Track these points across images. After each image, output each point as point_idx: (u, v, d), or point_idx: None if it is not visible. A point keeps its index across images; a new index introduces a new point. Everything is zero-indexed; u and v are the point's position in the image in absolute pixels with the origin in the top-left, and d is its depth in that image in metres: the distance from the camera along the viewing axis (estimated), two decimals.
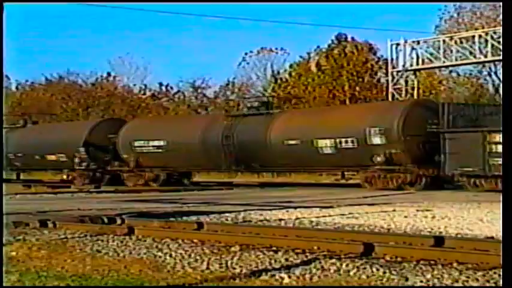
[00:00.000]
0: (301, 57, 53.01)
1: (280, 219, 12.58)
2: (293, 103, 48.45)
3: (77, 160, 32.85)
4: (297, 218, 12.64)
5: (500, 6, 37.58)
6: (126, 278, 6.70)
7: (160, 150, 30.90)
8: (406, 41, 35.46)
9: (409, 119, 24.66)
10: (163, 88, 60.57)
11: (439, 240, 8.43)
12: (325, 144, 26.04)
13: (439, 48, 35.22)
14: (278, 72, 57.08)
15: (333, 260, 7.25)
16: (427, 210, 14.03)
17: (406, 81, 36.19)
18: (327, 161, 26.52)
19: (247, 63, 57.64)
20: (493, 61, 36.63)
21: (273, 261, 7.40)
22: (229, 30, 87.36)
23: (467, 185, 22.89)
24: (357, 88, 48.24)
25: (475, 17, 45.61)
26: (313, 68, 50.70)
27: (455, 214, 13.23)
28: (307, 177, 33.96)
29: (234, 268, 7.06)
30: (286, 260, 7.47)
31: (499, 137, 21.44)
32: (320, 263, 7.18)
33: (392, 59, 36.35)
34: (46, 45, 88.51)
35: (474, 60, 35.31)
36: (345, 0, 59.16)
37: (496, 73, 45.17)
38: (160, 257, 7.85)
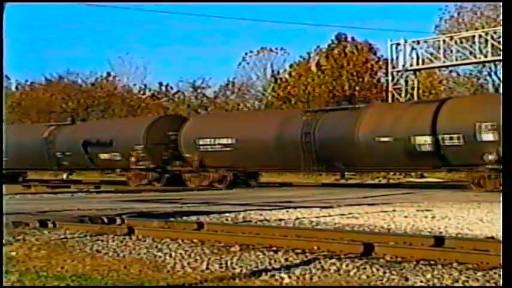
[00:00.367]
0: (301, 57, 53.10)
1: (280, 219, 12.57)
2: (293, 103, 48.51)
3: (133, 159, 30.74)
4: (297, 218, 12.63)
5: (500, 6, 37.59)
6: (126, 278, 6.70)
7: (228, 149, 28.54)
8: (406, 41, 35.52)
9: None
10: (163, 88, 60.66)
11: (439, 240, 8.43)
12: (424, 141, 23.45)
13: (439, 48, 35.27)
14: (278, 72, 57.11)
15: (333, 260, 7.25)
16: (427, 210, 14.03)
17: (406, 81, 36.25)
18: (426, 159, 23.96)
19: (247, 63, 57.71)
20: (493, 61, 36.69)
21: (273, 261, 7.40)
22: (229, 30, 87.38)
23: None
24: (357, 88, 48.27)
25: (475, 17, 45.65)
26: (313, 68, 50.74)
27: (455, 214, 13.23)
28: (308, 177, 33.88)
29: (234, 268, 7.05)
30: (286, 260, 7.46)
31: None
32: (320, 263, 7.17)
33: (392, 59, 36.41)
34: (46, 45, 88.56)
35: (474, 60, 35.37)
36: (345, 0, 59.15)
37: (496, 73, 45.22)
38: (160, 257, 7.84)
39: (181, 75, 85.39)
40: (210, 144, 29.10)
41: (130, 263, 7.43)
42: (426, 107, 25.05)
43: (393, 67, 36.44)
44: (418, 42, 35.58)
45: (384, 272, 6.61)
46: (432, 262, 7.07)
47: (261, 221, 12.46)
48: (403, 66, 35.85)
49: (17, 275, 6.81)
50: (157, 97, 59.87)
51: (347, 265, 6.99)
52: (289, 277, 6.52)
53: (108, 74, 60.39)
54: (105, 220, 11.50)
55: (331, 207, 15.10)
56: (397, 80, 36.35)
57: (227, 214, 13.46)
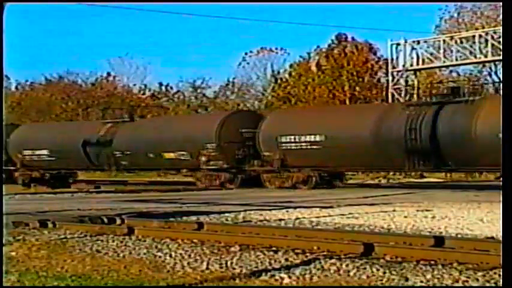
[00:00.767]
0: (301, 57, 53.12)
1: (280, 219, 12.57)
2: (293, 103, 48.51)
3: (203, 159, 28.23)
4: (297, 218, 12.63)
5: (500, 6, 37.59)
6: (126, 278, 6.70)
7: (315, 147, 25.91)
8: (406, 41, 35.51)
9: None
10: (163, 88, 60.68)
11: (439, 240, 8.43)
12: None
13: (439, 48, 35.27)
14: (278, 72, 57.14)
15: (333, 260, 7.25)
16: (427, 210, 14.03)
17: (406, 81, 36.25)
18: None
19: (247, 63, 57.77)
20: (493, 61, 36.68)
21: (273, 261, 7.40)
22: (229, 30, 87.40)
23: None
24: (357, 88, 48.27)
25: (476, 17, 45.67)
26: (313, 68, 50.73)
27: (455, 214, 13.23)
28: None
29: (234, 268, 7.05)
30: (286, 260, 7.46)
31: None
32: (320, 263, 7.17)
33: (392, 59, 36.41)
34: (46, 45, 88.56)
35: (474, 60, 35.37)
36: (345, 0, 59.16)
37: (496, 73, 45.22)
38: (160, 257, 7.84)
39: (181, 75, 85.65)
40: (294, 142, 26.59)
41: (131, 263, 7.43)
42: None
43: (393, 67, 36.44)
44: (418, 42, 35.58)
45: (384, 272, 6.61)
46: (432, 262, 7.07)
47: (261, 221, 12.46)
48: (403, 66, 35.84)
49: (17, 275, 6.81)
50: (157, 97, 59.90)
51: (347, 265, 6.98)
52: (289, 277, 6.52)
53: (108, 74, 60.49)
54: (105, 220, 11.49)
55: (331, 207, 15.10)
56: (397, 80, 36.35)
57: (227, 214, 13.45)
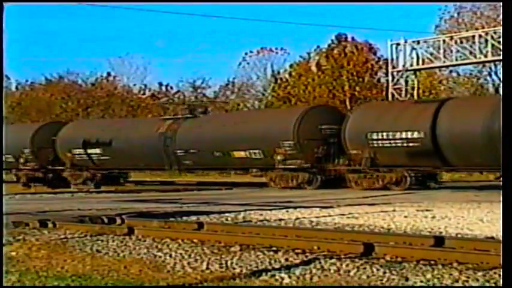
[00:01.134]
0: (301, 57, 53.12)
1: (280, 219, 12.57)
2: (293, 103, 48.50)
3: (279, 157, 26.06)
4: (297, 218, 12.63)
5: (500, 6, 37.59)
6: (126, 278, 6.70)
7: (412, 144, 23.61)
8: (406, 41, 35.47)
9: None
10: (163, 88, 60.68)
11: (439, 240, 8.43)
12: None
13: (439, 48, 35.22)
14: (278, 72, 57.15)
15: (333, 260, 7.25)
16: (427, 210, 14.03)
17: (406, 81, 36.19)
18: None
19: (247, 63, 57.76)
20: (493, 61, 36.63)
21: (273, 261, 7.40)
22: (229, 30, 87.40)
23: None
24: (357, 88, 48.27)
25: (475, 17, 45.65)
26: (313, 68, 50.74)
27: (455, 214, 13.23)
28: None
29: (234, 268, 7.05)
30: (286, 260, 7.46)
31: None
32: (320, 263, 7.17)
33: (392, 59, 36.35)
34: (46, 45, 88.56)
35: (474, 60, 35.32)
36: (345, 0, 59.16)
37: (496, 73, 45.23)
38: (160, 257, 7.84)
39: (181, 75, 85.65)
40: (387, 139, 24.15)
41: (131, 263, 7.43)
42: None
43: (393, 67, 36.37)
44: (418, 42, 35.53)
45: (384, 272, 6.61)
46: (432, 262, 7.07)
47: (261, 221, 12.46)
48: (403, 66, 35.78)
49: (17, 275, 6.81)
50: (157, 97, 59.89)
51: (347, 265, 6.98)
52: (289, 277, 6.52)
53: (108, 74, 60.48)
54: (105, 220, 11.50)
55: (331, 207, 15.10)
56: (397, 80, 36.29)
57: (227, 214, 13.45)
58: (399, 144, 24.05)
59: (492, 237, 9.19)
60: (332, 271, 6.78)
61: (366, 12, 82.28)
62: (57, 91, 57.83)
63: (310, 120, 26.61)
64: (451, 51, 35.17)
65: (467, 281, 6.23)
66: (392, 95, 35.65)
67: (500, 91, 38.53)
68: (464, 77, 47.65)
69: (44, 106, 56.07)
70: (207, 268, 7.10)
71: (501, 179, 22.17)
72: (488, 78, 47.14)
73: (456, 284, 6.17)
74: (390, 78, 36.75)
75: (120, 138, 31.86)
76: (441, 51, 34.89)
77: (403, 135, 23.98)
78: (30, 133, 35.47)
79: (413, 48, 35.45)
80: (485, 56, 34.16)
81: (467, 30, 40.09)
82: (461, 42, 35.14)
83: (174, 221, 11.78)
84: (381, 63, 48.40)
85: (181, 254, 7.97)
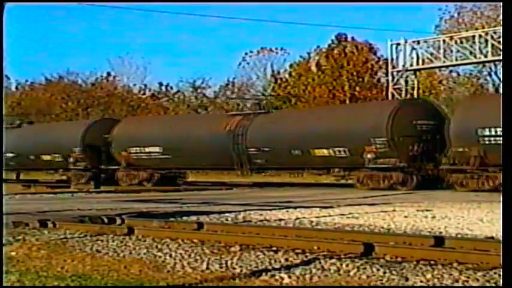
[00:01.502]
0: (301, 57, 53.20)
1: (280, 219, 12.57)
2: (293, 103, 48.53)
3: (368, 156, 24.30)
4: (297, 218, 12.63)
5: (500, 6, 37.60)
6: (126, 278, 6.69)
7: None
8: (406, 41, 35.49)
9: None
10: (163, 88, 60.75)
11: (439, 240, 8.42)
12: None
13: (439, 48, 35.24)
14: (278, 72, 57.19)
15: (333, 260, 7.24)
16: (427, 210, 14.03)
17: (406, 81, 36.21)
18: None
19: (247, 63, 57.85)
20: (493, 61, 36.67)
21: (273, 261, 7.39)
22: (229, 30, 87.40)
23: None
24: (357, 88, 48.31)
25: (476, 17, 45.68)
26: (313, 68, 50.79)
27: (455, 214, 13.22)
28: (308, 177, 33.74)
29: (234, 268, 7.05)
30: (286, 260, 7.46)
31: None
32: (320, 263, 7.17)
33: (392, 59, 36.37)
34: (46, 45, 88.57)
35: (474, 60, 35.35)
36: (345, 0, 59.19)
37: (496, 73, 45.25)
38: (160, 257, 7.84)
39: (181, 75, 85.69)
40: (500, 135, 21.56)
41: (131, 263, 7.43)
42: None
43: (393, 67, 36.40)
44: (418, 42, 35.55)
45: (384, 272, 6.61)
46: (432, 262, 7.06)
47: (261, 221, 12.46)
48: (403, 66, 35.81)
49: (17, 275, 6.80)
50: (157, 97, 59.93)
51: (347, 265, 6.98)
52: (289, 277, 6.52)
53: (108, 74, 60.57)
54: (105, 220, 11.49)
55: (331, 207, 15.10)
56: (397, 80, 36.31)
57: (227, 214, 13.45)
58: None
59: (492, 237, 9.19)
60: (332, 271, 6.78)
61: (366, 12, 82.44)
62: (57, 91, 57.90)
63: (404, 115, 24.66)
64: (451, 51, 35.20)
65: (467, 281, 6.23)
66: (392, 95, 35.65)
67: (500, 91, 38.50)
68: (464, 77, 47.68)
69: (44, 106, 56.13)
70: (207, 268, 7.10)
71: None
72: (488, 78, 47.18)
73: (456, 284, 6.17)
74: (390, 78, 36.78)
75: (183, 135, 29.79)
76: (441, 51, 34.91)
77: None
78: (80, 131, 33.66)
79: (413, 48, 35.46)
80: (485, 56, 34.18)
81: (467, 30, 40.11)
82: (461, 42, 35.16)
83: (174, 221, 11.77)
84: (380, 63, 48.44)
85: (181, 254, 7.96)
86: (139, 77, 62.28)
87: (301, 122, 27.23)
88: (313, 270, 6.80)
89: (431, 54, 35.54)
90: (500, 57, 30.95)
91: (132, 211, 14.18)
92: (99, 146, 32.59)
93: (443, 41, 35.31)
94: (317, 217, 12.79)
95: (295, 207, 14.89)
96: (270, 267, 7.04)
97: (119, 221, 11.36)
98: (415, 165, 24.11)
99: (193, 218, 12.59)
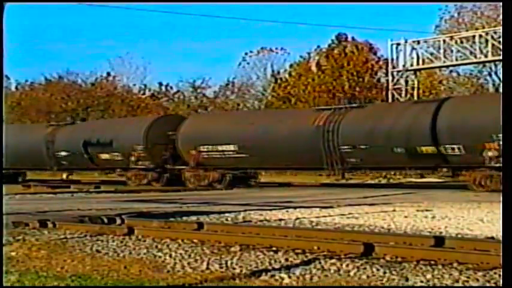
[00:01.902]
0: (301, 57, 53.17)
1: (280, 219, 12.57)
2: (293, 103, 48.51)
3: (490, 154, 21.67)
4: (297, 218, 12.63)
5: (500, 6, 37.61)
6: (126, 278, 6.69)
7: None
8: (406, 41, 35.52)
9: None
10: (163, 88, 60.72)
11: (439, 240, 8.42)
12: None
13: (439, 48, 35.27)
14: (278, 72, 57.16)
15: (333, 260, 7.24)
16: (427, 210, 14.02)
17: (406, 81, 36.24)
18: None
19: (247, 63, 57.79)
20: (493, 61, 36.69)
21: (273, 261, 7.39)
22: (229, 30, 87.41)
23: None
24: (357, 88, 48.30)
25: (476, 17, 45.69)
26: (313, 68, 50.77)
27: (455, 214, 13.22)
28: (308, 177, 33.74)
29: (234, 268, 7.05)
30: (286, 260, 7.46)
31: None
32: (320, 263, 7.17)
33: (392, 59, 36.40)
34: (46, 45, 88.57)
35: (474, 60, 35.38)
36: (345, 0, 59.19)
37: (496, 73, 45.23)
38: (160, 257, 7.84)
39: (181, 75, 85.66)
40: None
41: (131, 263, 7.43)
42: None
43: (393, 67, 36.44)
44: (418, 42, 35.57)
45: (384, 272, 6.61)
46: (432, 262, 7.06)
47: (261, 221, 12.46)
48: (403, 66, 35.84)
49: (17, 275, 6.80)
50: (157, 97, 59.93)
51: (347, 265, 6.98)
52: (289, 277, 6.52)
53: (108, 74, 60.52)
54: (105, 220, 11.49)
55: (331, 207, 15.10)
56: (397, 80, 36.34)
57: (227, 214, 13.45)
58: None
59: (492, 237, 9.19)
60: (332, 271, 6.78)
61: (366, 12, 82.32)
62: (57, 91, 57.86)
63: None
64: (451, 51, 35.23)
65: (467, 281, 6.23)
66: (393, 95, 35.68)
67: (500, 91, 38.52)
68: (464, 77, 47.69)
69: (43, 106, 56.11)
70: (207, 268, 7.10)
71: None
72: (488, 78, 47.18)
73: (456, 284, 6.16)
74: (390, 78, 36.80)
75: (263, 132, 27.14)
76: (441, 51, 34.94)
77: None
78: (143, 128, 31.05)
79: (413, 48, 35.49)
80: (485, 56, 34.22)
81: (467, 30, 40.13)
82: (462, 42, 35.20)
83: (174, 221, 11.77)
84: (381, 63, 48.45)
85: (181, 254, 7.96)
86: (139, 77, 62.32)
87: (405, 116, 24.29)
88: (313, 270, 6.80)
89: (432, 54, 35.57)
90: (500, 57, 30.95)
91: (132, 211, 14.18)
92: (165, 144, 30.25)
93: (444, 41, 35.33)
94: (317, 217, 12.79)
95: (295, 207, 14.89)
96: (270, 267, 7.04)
97: (118, 221, 11.36)
98: None
99: (193, 218, 12.59)
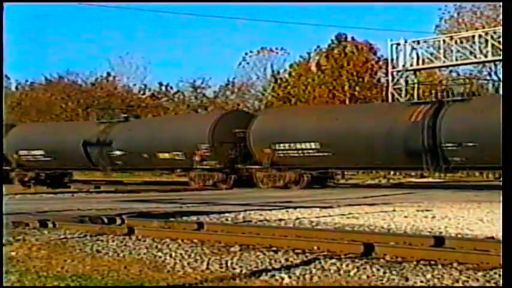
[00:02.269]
0: (301, 57, 53.20)
1: (280, 219, 12.57)
2: (293, 103, 48.53)
3: None
4: (297, 218, 12.63)
5: (500, 6, 37.62)
6: (126, 278, 6.69)
7: None
8: (406, 41, 35.53)
9: None
10: (163, 88, 60.75)
11: (439, 240, 8.42)
12: None
13: (439, 48, 35.28)
14: (278, 72, 57.21)
15: (333, 260, 7.24)
16: (427, 210, 14.02)
17: (406, 81, 36.23)
18: None
19: (247, 63, 57.85)
20: (493, 61, 36.69)
21: (273, 261, 7.39)
22: (229, 30, 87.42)
23: None
24: (357, 88, 48.32)
25: (475, 17, 45.72)
26: (313, 68, 50.79)
27: (455, 214, 13.22)
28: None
29: (234, 268, 7.05)
30: (286, 260, 7.46)
31: None
32: (320, 263, 7.17)
33: (392, 59, 36.41)
34: (46, 45, 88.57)
35: (474, 60, 35.39)
36: (345, 0, 59.21)
37: (496, 73, 45.24)
38: (160, 257, 7.84)
39: (181, 75, 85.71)
40: None
41: (131, 263, 7.43)
42: None
43: (393, 67, 36.44)
44: (418, 42, 35.58)
45: (384, 272, 6.61)
46: (432, 262, 7.06)
47: (261, 221, 12.46)
48: (403, 66, 35.85)
49: (17, 275, 6.80)
50: (157, 97, 59.95)
51: (347, 265, 6.98)
52: (289, 277, 6.52)
53: (108, 74, 60.58)
54: (105, 220, 11.49)
55: (331, 207, 15.10)
56: (397, 80, 36.34)
57: (227, 214, 13.45)
58: None
59: (492, 237, 9.19)
60: (332, 271, 6.78)
61: (366, 12, 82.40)
62: (57, 91, 57.90)
63: None
64: (451, 51, 35.23)
65: (467, 281, 6.23)
66: (393, 95, 35.68)
67: (500, 91, 38.52)
68: (465, 77, 47.67)
69: (43, 106, 56.13)
70: (207, 268, 7.10)
71: (501, 179, 22.15)
72: (488, 78, 47.17)
73: (456, 284, 6.16)
74: (390, 78, 36.81)
75: (347, 128, 24.97)
76: (441, 51, 34.94)
77: None
78: (208, 125, 28.62)
79: (413, 48, 35.50)
80: (485, 56, 34.21)
81: (467, 30, 40.14)
82: (461, 42, 35.20)
83: (174, 221, 11.78)
84: (380, 63, 48.47)
85: (181, 254, 7.96)
86: (139, 77, 62.36)
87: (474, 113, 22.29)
88: (313, 270, 6.80)
89: (431, 54, 35.58)
90: (500, 57, 30.95)
91: (132, 211, 14.18)
92: (232, 142, 28.03)
93: (443, 41, 35.34)
94: (317, 217, 12.79)
95: (295, 207, 14.89)
96: (270, 267, 7.04)
97: (119, 221, 11.36)
98: None
99: (193, 218, 12.59)
